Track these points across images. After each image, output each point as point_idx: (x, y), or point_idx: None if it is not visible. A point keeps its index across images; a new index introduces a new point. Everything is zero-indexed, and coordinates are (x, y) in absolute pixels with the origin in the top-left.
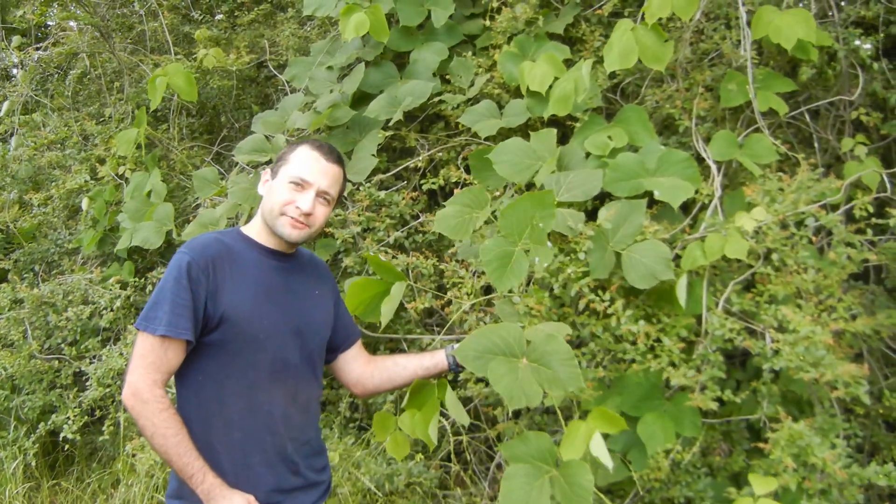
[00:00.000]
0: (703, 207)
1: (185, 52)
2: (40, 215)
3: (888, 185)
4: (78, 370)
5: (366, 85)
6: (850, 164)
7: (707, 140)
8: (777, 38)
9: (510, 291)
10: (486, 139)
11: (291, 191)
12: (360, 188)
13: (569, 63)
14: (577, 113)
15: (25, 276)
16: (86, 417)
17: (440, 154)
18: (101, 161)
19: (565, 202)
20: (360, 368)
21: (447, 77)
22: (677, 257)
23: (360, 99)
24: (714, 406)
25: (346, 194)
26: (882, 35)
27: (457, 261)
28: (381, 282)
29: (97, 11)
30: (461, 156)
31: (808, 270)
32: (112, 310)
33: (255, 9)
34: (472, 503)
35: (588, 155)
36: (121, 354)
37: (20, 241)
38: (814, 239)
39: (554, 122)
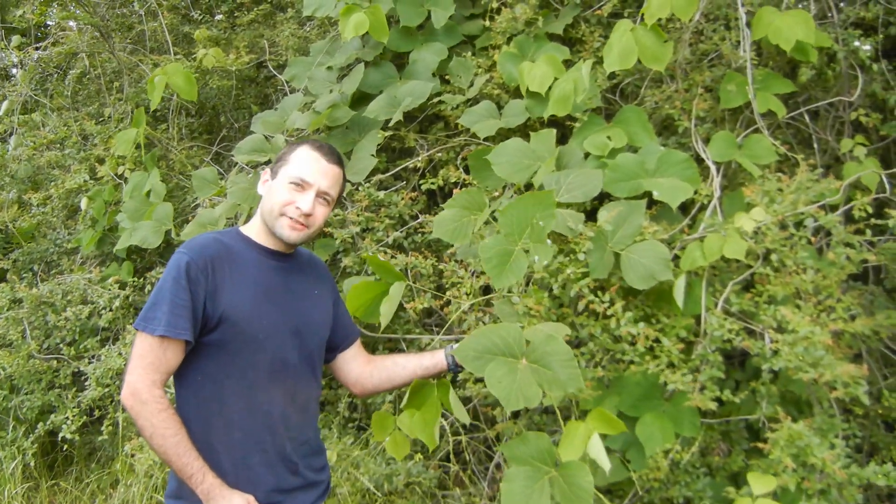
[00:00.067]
0: (703, 208)
1: (184, 52)
2: (39, 215)
3: (887, 186)
4: (77, 370)
5: (365, 85)
6: (850, 165)
7: (706, 141)
8: (776, 39)
9: (509, 291)
10: (486, 139)
11: (291, 191)
12: (360, 188)
13: (568, 64)
14: (576, 113)
15: (24, 275)
16: (84, 417)
17: (439, 154)
18: (101, 161)
19: (565, 203)
20: (360, 368)
21: (447, 77)
22: (676, 258)
23: (360, 99)
24: (713, 406)
25: (345, 194)
26: (881, 36)
27: (456, 261)
28: (381, 283)
29: (97, 11)
30: (460, 156)
31: (807, 271)
32: (111, 310)
33: (255, 9)
34: (471, 503)
35: (587, 155)
36: (119, 354)
37: (19, 241)
38: (813, 239)
39: (553, 122)
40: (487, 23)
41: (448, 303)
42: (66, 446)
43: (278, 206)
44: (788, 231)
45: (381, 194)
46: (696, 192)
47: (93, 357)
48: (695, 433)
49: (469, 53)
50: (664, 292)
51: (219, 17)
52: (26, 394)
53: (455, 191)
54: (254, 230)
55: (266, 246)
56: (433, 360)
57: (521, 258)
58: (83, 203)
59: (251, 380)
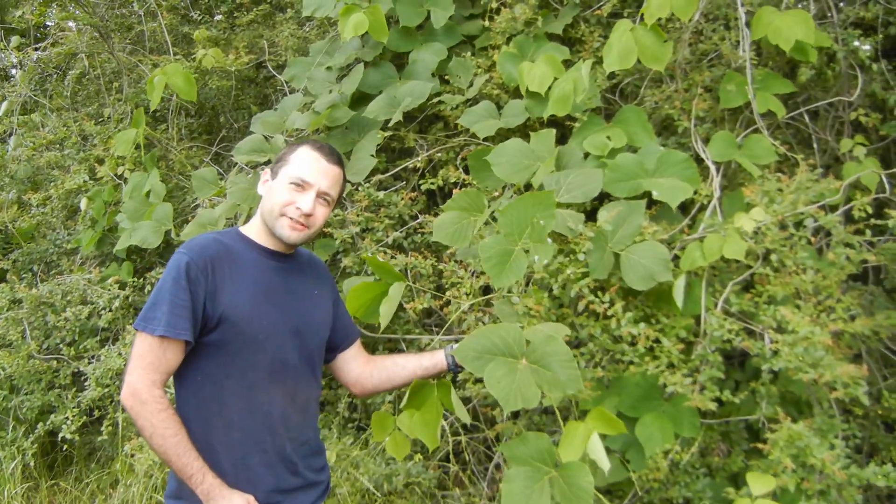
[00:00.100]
0: (702, 208)
1: (184, 53)
2: (39, 215)
3: (887, 186)
4: (76, 370)
5: (365, 85)
6: (849, 165)
7: (706, 141)
8: (776, 39)
9: (509, 291)
10: (485, 140)
11: (292, 191)
12: (359, 188)
13: (568, 64)
14: (575, 113)
15: (24, 276)
16: (84, 417)
17: (439, 154)
18: (100, 161)
19: (565, 203)
20: (360, 368)
21: (446, 77)
22: (676, 258)
23: (359, 99)
24: (713, 406)
25: (344, 194)
26: (881, 36)
27: (455, 261)
28: (380, 283)
29: (96, 12)
30: (460, 156)
31: (806, 271)
32: (111, 310)
33: (254, 9)
34: (470, 503)
35: (587, 155)
36: (119, 354)
37: (19, 242)
38: (813, 239)
39: (553, 122)
40: (487, 23)
41: (448, 303)
42: (65, 446)
43: (278, 206)
44: (788, 231)
45: (381, 194)
46: (695, 193)
47: (92, 357)
48: (694, 434)
49: (468, 53)
50: (664, 292)
51: (218, 17)
52: (26, 394)
53: (455, 191)
54: (254, 230)
55: (266, 246)
56: (433, 360)
57: (521, 258)
58: (83, 203)
59: (251, 380)
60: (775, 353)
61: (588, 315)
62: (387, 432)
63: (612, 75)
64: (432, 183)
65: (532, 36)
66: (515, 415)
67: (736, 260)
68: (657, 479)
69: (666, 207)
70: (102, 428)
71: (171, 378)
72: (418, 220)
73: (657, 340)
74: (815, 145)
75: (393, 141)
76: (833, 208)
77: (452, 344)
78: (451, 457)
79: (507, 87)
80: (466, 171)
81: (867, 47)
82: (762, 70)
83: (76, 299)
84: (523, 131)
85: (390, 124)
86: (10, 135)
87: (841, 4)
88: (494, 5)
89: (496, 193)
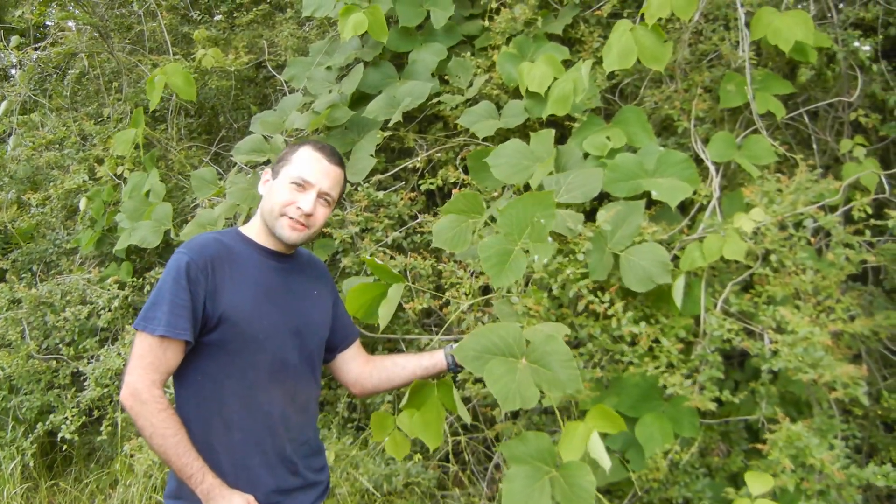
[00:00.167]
0: (702, 208)
1: (183, 53)
2: (38, 215)
3: (886, 187)
4: (76, 370)
5: (364, 85)
6: (849, 166)
7: (706, 141)
8: (775, 40)
9: (508, 291)
10: (485, 140)
11: (293, 191)
12: (359, 188)
13: (567, 64)
14: (575, 114)
15: (23, 276)
16: (84, 418)
17: (439, 154)
18: (100, 161)
19: (564, 203)
20: (359, 368)
21: (446, 78)
22: (675, 258)
23: (359, 99)
24: (712, 407)
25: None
26: (881, 37)
27: (455, 261)
28: (380, 284)
29: (96, 11)
30: (459, 156)
31: (806, 271)
32: (110, 310)
33: (254, 9)
34: (470, 503)
35: (586, 155)
36: (119, 354)
37: (18, 242)
38: (812, 240)
39: (552, 122)
40: (486, 23)
41: (447, 303)
42: (65, 446)
43: (279, 205)
44: (788, 231)
45: (381, 194)
46: (695, 193)
47: (92, 357)
48: (694, 434)
49: (468, 54)
50: (663, 293)
51: (218, 17)
52: (25, 394)
53: (454, 191)
54: (254, 230)
55: (266, 246)
56: (432, 360)
57: (521, 258)
58: (82, 203)
59: (251, 380)
60: (775, 353)
61: (587, 315)
62: (386, 432)
63: (611, 75)
64: (432, 183)
65: (532, 36)
66: (515, 415)
67: (735, 260)
68: (657, 480)
69: (665, 208)
70: (102, 428)
71: (171, 378)
72: (418, 221)
73: (657, 340)
74: (814, 146)
75: (392, 141)
76: (833, 209)
77: (452, 344)
78: (451, 457)
79: (507, 87)
80: (466, 171)
81: (867, 48)
82: (762, 70)
83: (75, 299)
84: (523, 131)
85: (390, 124)
86: (10, 135)
87: (841, 5)
88: (494, 5)
89: (495, 194)
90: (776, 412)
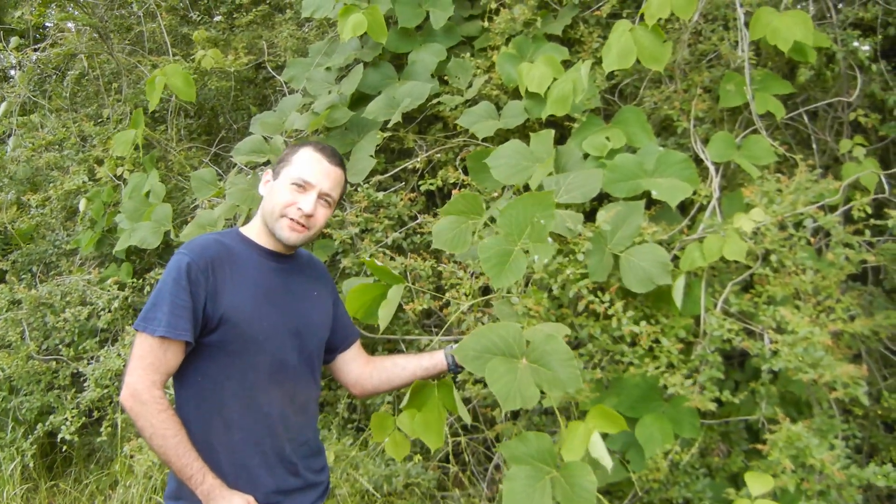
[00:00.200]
0: (702, 208)
1: (183, 54)
2: (38, 216)
3: (886, 187)
4: (76, 371)
5: (364, 86)
6: (849, 166)
7: (705, 141)
8: (774, 40)
9: (508, 292)
10: (484, 140)
11: (293, 192)
12: (359, 189)
13: (567, 64)
14: (575, 114)
15: (23, 276)
16: (84, 418)
17: (438, 155)
18: (99, 162)
19: (564, 203)
20: (359, 369)
21: (445, 78)
22: (675, 258)
23: (359, 100)
24: (712, 407)
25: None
26: (880, 36)
27: (455, 262)
28: (380, 284)
29: (95, 12)
30: (459, 157)
31: (806, 271)
32: (110, 311)
33: (254, 10)
34: None
35: (586, 156)
36: (119, 355)
37: (18, 242)
38: (812, 240)
39: (552, 123)
40: (486, 24)
41: (447, 304)
42: (65, 447)
43: (279, 206)
44: (787, 232)
45: (380, 195)
46: (695, 193)
47: (92, 358)
48: (694, 434)
49: (468, 54)
50: (663, 293)
51: (217, 18)
52: (25, 395)
53: (454, 192)
54: (254, 231)
55: (266, 247)
56: (433, 360)
57: (521, 258)
58: (82, 204)
59: (251, 381)
60: (775, 353)
61: (587, 315)
62: (386, 433)
63: (611, 76)
64: (431, 184)
65: (531, 36)
66: (515, 415)
67: (735, 260)
68: (657, 480)
69: (665, 208)
70: (102, 429)
71: (171, 379)
72: (417, 221)
73: (657, 340)
74: (814, 146)
75: (392, 142)
76: (832, 209)
77: (452, 344)
78: (451, 457)
79: (507, 87)
80: (465, 171)
81: (866, 48)
82: (761, 70)
83: (75, 300)
84: (522, 132)
85: (389, 125)
86: (10, 135)
87: (840, 5)
88: (493, 6)
89: (495, 194)
90: (776, 412)
